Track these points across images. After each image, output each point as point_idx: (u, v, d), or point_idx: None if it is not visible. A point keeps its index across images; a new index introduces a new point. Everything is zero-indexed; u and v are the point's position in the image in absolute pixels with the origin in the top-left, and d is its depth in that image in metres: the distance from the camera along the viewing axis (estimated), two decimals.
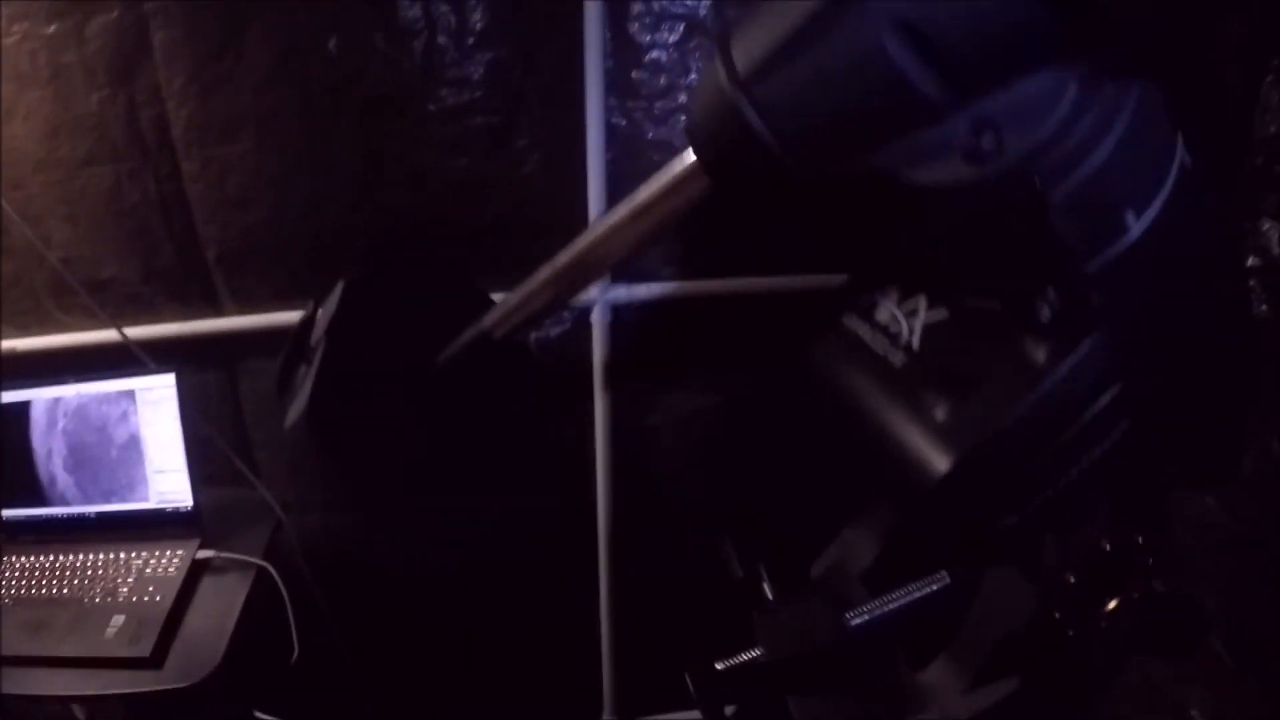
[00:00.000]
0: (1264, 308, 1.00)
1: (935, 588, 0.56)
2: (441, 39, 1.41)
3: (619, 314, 1.58)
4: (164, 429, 1.48)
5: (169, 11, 1.38)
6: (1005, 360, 0.46)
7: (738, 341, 1.61)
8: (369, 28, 1.40)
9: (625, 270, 1.55)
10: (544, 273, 0.63)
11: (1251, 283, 1.01)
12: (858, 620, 0.57)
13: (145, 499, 1.51)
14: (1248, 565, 1.08)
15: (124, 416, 1.48)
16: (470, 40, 1.41)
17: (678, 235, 1.56)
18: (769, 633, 0.61)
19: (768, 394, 1.66)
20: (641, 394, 1.68)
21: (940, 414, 0.47)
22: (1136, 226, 0.43)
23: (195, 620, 1.38)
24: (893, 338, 0.52)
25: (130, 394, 1.49)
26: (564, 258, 0.61)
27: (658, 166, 1.44)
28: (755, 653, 0.60)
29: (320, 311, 0.76)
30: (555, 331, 1.61)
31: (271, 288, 1.57)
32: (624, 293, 1.55)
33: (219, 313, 1.59)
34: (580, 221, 1.50)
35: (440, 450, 0.73)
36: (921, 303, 0.52)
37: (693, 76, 1.45)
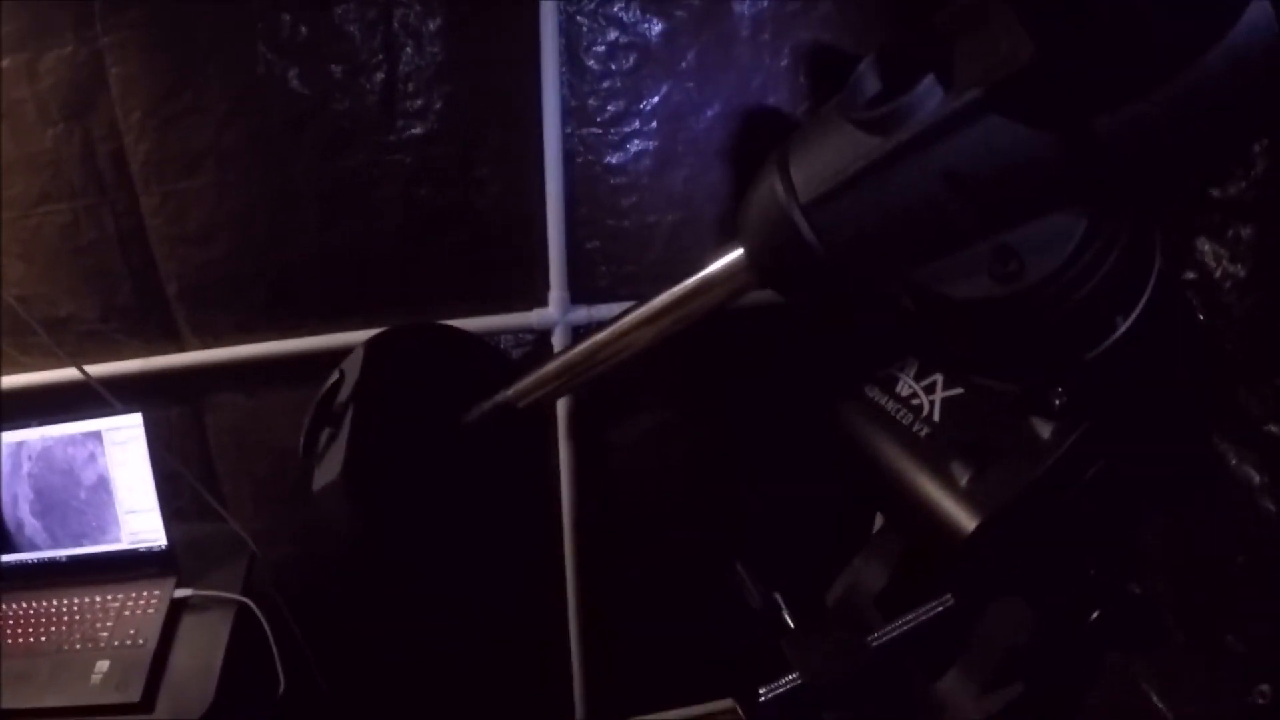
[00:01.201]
0: (1200, 318, 1.11)
1: (942, 609, 0.63)
2: (401, 71, 1.43)
3: (579, 334, 1.61)
4: (133, 469, 1.46)
5: (125, 46, 1.37)
6: (1017, 436, 0.54)
7: (697, 360, 1.66)
8: (328, 61, 1.41)
9: (585, 291, 1.59)
10: (579, 349, 0.67)
11: (1188, 294, 1.12)
12: (879, 642, 0.64)
13: (117, 540, 1.49)
14: (1194, 546, 1.19)
15: (91, 458, 1.46)
16: (430, 72, 1.43)
17: (635, 256, 1.60)
18: (802, 658, 0.67)
19: (726, 411, 1.73)
20: (603, 413, 1.72)
21: (964, 481, 0.54)
22: (1123, 325, 0.51)
23: (180, 661, 1.37)
24: (915, 410, 0.59)
25: (97, 435, 1.46)
26: (601, 336, 0.65)
27: (614, 190, 1.50)
28: (793, 677, 0.65)
29: (343, 375, 0.79)
30: (517, 353, 1.64)
31: (234, 321, 1.57)
32: (584, 314, 1.58)
33: (181, 348, 1.58)
34: (540, 248, 1.54)
35: (463, 509, 0.77)
36: (939, 380, 0.59)
37: (646, 103, 1.50)
